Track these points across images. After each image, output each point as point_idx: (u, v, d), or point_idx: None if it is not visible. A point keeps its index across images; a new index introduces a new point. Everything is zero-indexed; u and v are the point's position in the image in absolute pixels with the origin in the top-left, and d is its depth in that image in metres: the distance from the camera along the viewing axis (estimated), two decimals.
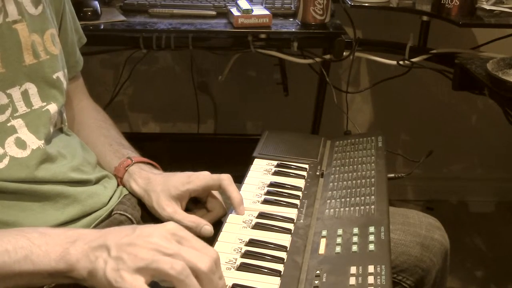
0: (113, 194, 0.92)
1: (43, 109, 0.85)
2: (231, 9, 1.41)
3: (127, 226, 0.69)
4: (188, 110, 1.97)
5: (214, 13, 1.45)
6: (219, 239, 0.79)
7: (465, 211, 2.19)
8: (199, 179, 0.88)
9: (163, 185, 0.88)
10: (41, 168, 0.81)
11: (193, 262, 0.62)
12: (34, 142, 0.82)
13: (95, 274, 0.64)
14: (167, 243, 0.64)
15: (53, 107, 0.87)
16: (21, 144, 0.80)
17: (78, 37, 1.03)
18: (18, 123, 0.81)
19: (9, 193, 0.78)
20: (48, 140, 0.85)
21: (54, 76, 0.88)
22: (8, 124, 0.80)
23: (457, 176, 2.21)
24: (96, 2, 1.39)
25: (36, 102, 0.84)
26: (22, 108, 0.82)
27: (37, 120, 0.84)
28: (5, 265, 0.65)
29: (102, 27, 1.36)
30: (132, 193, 0.94)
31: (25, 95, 0.83)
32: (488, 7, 1.41)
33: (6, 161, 0.78)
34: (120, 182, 0.95)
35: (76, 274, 0.65)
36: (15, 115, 0.81)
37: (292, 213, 0.86)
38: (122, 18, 1.40)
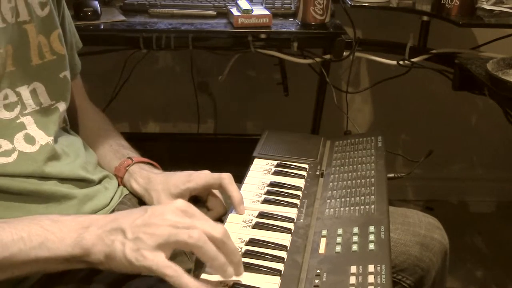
0: (114, 195, 0.92)
1: (52, 107, 0.86)
2: (231, 9, 1.41)
3: (136, 208, 0.70)
4: (188, 110, 1.97)
5: (214, 13, 1.45)
6: None
7: (465, 211, 2.18)
8: (200, 177, 0.89)
9: (163, 184, 0.89)
10: (49, 164, 0.82)
11: (207, 231, 0.65)
12: (43, 138, 0.83)
13: (113, 256, 0.65)
14: (181, 218, 0.66)
15: (62, 106, 0.88)
16: (30, 139, 0.81)
17: (75, 40, 1.04)
18: (27, 120, 0.82)
19: (15, 194, 0.79)
20: (55, 138, 0.86)
21: (61, 75, 0.89)
22: (17, 121, 0.81)
23: (457, 176, 2.21)
24: (96, 2, 1.39)
25: (45, 101, 0.86)
26: (31, 106, 0.83)
27: (47, 117, 0.85)
28: (21, 252, 0.66)
29: (102, 27, 1.36)
30: (132, 193, 0.94)
31: (34, 93, 0.84)
32: (488, 7, 1.41)
33: (14, 155, 0.79)
34: (121, 182, 0.95)
35: (93, 258, 0.66)
36: (24, 112, 0.82)
37: (292, 212, 0.86)
38: (122, 18, 1.40)
